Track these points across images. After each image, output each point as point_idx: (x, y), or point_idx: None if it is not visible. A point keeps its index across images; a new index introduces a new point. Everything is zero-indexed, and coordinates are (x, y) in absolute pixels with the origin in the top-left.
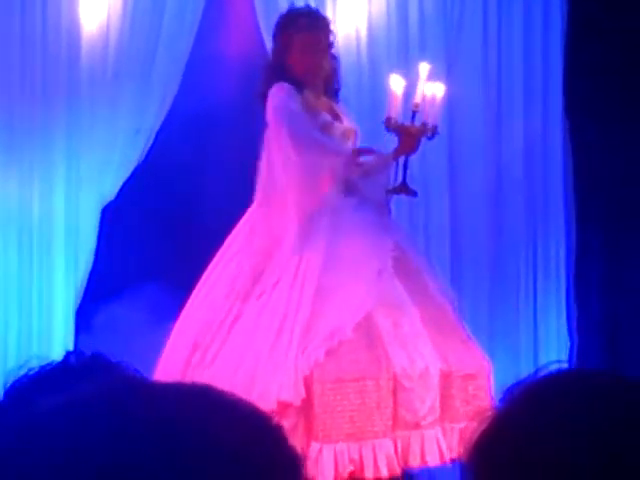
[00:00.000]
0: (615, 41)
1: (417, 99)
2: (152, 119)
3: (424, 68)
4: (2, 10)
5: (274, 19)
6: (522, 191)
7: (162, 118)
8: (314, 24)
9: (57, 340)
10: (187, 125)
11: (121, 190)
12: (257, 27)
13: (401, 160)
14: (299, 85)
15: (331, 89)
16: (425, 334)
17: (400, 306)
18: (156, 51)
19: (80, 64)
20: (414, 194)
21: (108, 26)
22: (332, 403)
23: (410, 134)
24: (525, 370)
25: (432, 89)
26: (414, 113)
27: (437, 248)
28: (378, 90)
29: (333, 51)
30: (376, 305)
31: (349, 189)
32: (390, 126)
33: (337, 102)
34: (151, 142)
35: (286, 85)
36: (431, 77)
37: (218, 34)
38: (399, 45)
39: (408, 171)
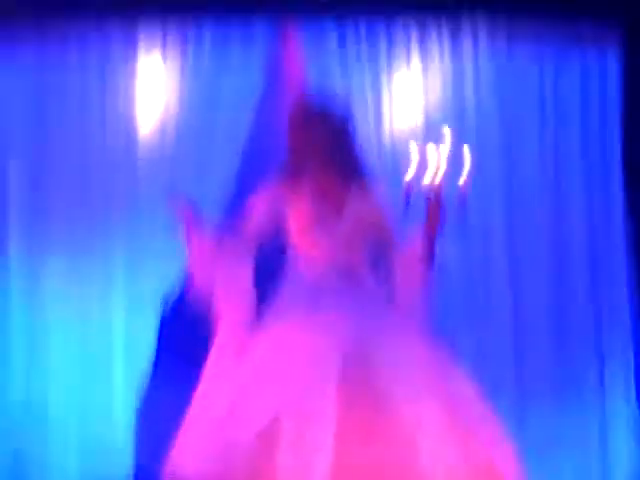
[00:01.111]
0: None
1: (442, 165)
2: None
3: (447, 132)
4: (61, 103)
5: None
6: (585, 273)
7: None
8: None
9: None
10: None
11: None
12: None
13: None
14: None
15: (345, 168)
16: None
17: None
18: (214, 135)
19: (138, 164)
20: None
21: (165, 110)
22: None
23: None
24: None
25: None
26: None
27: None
28: None
29: None
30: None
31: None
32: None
33: (360, 182)
34: None
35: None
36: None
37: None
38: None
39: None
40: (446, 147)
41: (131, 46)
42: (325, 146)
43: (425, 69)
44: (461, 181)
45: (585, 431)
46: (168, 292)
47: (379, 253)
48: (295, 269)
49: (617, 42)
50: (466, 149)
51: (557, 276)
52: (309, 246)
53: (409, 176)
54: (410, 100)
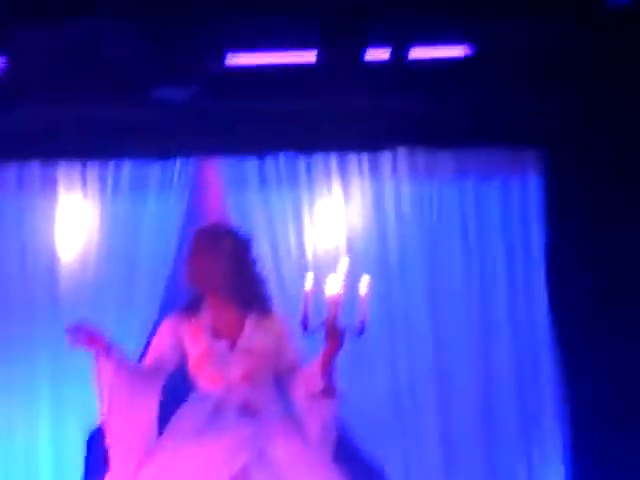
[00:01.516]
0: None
1: (335, 293)
2: (134, 346)
3: (344, 262)
4: None
5: None
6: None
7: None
8: (197, 231)
9: None
10: None
11: None
12: None
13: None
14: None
15: (248, 298)
16: None
17: None
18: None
19: (59, 290)
20: (336, 396)
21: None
22: None
23: (338, 332)
24: None
25: (360, 283)
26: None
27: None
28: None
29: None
30: None
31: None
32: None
33: (260, 311)
34: None
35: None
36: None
37: None
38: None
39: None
40: (341, 276)
41: (51, 181)
42: (221, 273)
43: (346, 198)
44: (360, 310)
45: None
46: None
47: (280, 382)
48: (197, 396)
49: (537, 166)
50: (364, 280)
51: (485, 391)
52: (206, 379)
53: (303, 304)
54: (331, 229)
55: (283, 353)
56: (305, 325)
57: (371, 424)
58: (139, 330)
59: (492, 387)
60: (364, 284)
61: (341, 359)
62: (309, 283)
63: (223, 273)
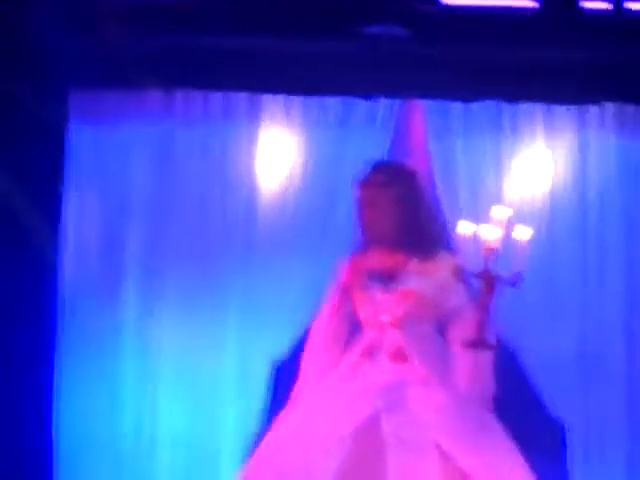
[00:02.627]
0: None
1: (496, 244)
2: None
3: (503, 212)
4: (183, 167)
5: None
6: None
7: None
8: (366, 179)
9: None
10: None
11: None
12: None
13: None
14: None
15: (414, 243)
16: None
17: None
18: (335, 211)
19: (257, 224)
20: (491, 348)
21: (286, 179)
22: None
23: (490, 282)
24: None
25: (518, 233)
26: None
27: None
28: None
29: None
30: None
31: None
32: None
33: (424, 255)
34: None
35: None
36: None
37: None
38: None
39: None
40: (501, 230)
41: (255, 112)
42: (387, 225)
43: (550, 151)
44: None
45: None
46: (279, 351)
47: (440, 329)
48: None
49: None
50: (525, 231)
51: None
52: (364, 322)
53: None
54: (532, 181)
55: (445, 299)
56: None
57: (555, 380)
58: (331, 267)
59: None
60: (524, 234)
61: (530, 311)
62: (464, 229)
63: (389, 224)
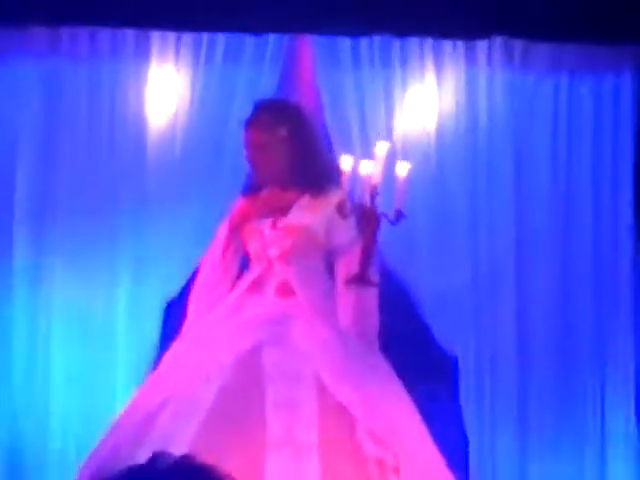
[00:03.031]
0: None
1: (376, 179)
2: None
3: (382, 147)
4: (70, 105)
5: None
6: (590, 288)
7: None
8: (249, 120)
9: None
10: None
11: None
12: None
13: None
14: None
15: (305, 180)
16: None
17: None
18: (224, 142)
19: (147, 165)
20: (373, 285)
21: (175, 118)
22: None
23: (370, 219)
24: None
25: (398, 169)
26: (373, 196)
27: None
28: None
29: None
30: None
31: None
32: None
33: (315, 191)
34: None
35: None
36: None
37: None
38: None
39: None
40: (380, 165)
41: (144, 49)
42: (277, 166)
43: (439, 85)
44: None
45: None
46: (171, 290)
47: (328, 265)
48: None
49: (631, 65)
50: (402, 166)
51: (562, 288)
52: (253, 257)
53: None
54: (422, 115)
55: (332, 235)
56: (342, 211)
57: (448, 313)
58: (222, 207)
59: (570, 293)
60: (403, 169)
61: (422, 245)
62: (347, 165)
63: (279, 164)
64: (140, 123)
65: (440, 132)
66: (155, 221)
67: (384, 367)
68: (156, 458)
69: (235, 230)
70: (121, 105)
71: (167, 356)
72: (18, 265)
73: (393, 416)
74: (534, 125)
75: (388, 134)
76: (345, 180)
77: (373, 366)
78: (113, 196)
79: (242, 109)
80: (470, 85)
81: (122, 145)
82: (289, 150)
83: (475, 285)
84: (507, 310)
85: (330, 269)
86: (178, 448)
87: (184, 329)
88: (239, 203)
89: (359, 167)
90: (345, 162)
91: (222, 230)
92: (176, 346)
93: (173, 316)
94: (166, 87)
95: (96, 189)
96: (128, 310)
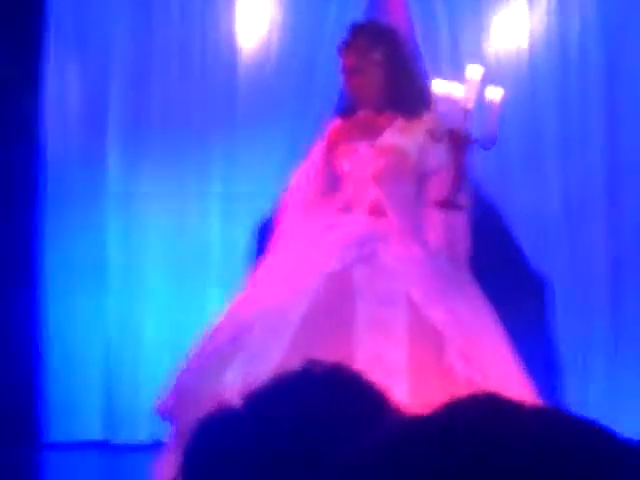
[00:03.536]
0: None
1: (469, 104)
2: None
3: (476, 70)
4: (161, 26)
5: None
6: None
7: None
8: (345, 44)
9: None
10: None
11: None
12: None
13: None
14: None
15: (400, 103)
16: None
17: None
18: (315, 64)
19: (238, 87)
20: (461, 208)
21: (268, 39)
22: None
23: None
24: None
25: (489, 94)
26: (465, 120)
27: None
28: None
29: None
30: None
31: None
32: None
33: (408, 115)
34: None
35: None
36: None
37: None
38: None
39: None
40: (474, 89)
41: None
42: (373, 89)
43: (530, 4)
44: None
45: None
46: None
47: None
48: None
49: None
50: (497, 91)
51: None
52: (344, 178)
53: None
54: (513, 35)
55: (424, 159)
56: (434, 135)
57: (540, 235)
58: (314, 127)
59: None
60: (496, 95)
61: (515, 169)
62: (439, 88)
63: (374, 88)
64: (231, 47)
65: (532, 54)
66: (246, 143)
67: (474, 288)
68: (310, 366)
69: (330, 150)
70: (212, 29)
71: (258, 273)
72: (112, 187)
73: (483, 337)
74: (627, 42)
75: (479, 58)
76: (437, 104)
77: (463, 287)
78: (205, 119)
79: (333, 31)
80: (561, 3)
81: (213, 70)
82: (384, 74)
83: (567, 207)
84: (599, 231)
85: (421, 194)
86: (268, 364)
87: (275, 248)
88: (334, 124)
89: (452, 91)
90: (437, 86)
91: (317, 149)
92: (267, 264)
93: (265, 236)
94: (257, 10)
95: (188, 112)
96: (220, 238)
